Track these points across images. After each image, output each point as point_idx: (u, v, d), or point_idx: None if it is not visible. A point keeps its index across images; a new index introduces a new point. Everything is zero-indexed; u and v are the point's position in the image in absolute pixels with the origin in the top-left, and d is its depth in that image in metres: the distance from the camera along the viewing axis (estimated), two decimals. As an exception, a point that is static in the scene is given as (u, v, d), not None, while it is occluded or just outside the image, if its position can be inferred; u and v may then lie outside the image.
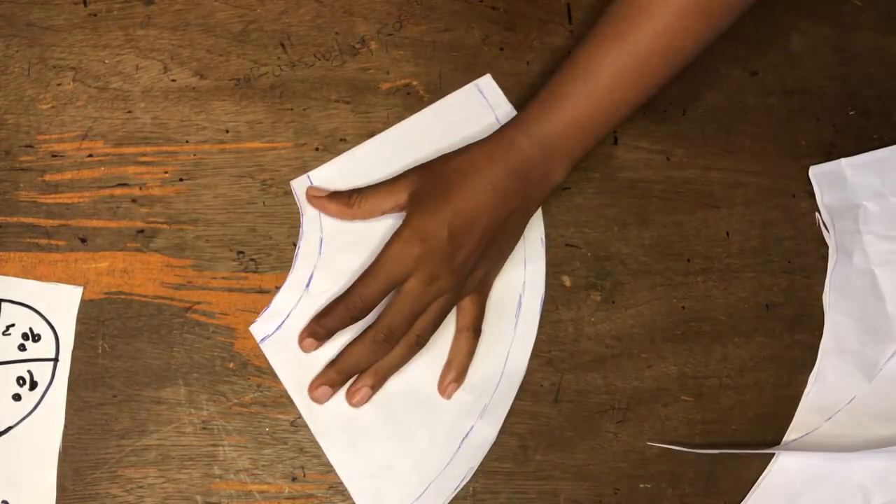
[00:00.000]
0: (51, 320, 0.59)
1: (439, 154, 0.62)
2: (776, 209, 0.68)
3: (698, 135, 0.68)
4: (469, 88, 0.66)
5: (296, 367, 0.60)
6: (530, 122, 0.60)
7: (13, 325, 0.59)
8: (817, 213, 0.68)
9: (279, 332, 0.61)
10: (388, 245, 0.58)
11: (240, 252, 0.62)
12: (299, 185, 0.63)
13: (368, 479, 0.60)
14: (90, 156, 0.62)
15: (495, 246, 0.61)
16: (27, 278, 0.60)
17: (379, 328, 0.58)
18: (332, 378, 0.59)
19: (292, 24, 0.65)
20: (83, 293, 0.60)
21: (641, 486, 0.63)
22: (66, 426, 0.59)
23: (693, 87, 0.69)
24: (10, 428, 0.58)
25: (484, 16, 0.67)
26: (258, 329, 0.61)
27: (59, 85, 0.62)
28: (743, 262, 0.67)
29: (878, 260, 0.65)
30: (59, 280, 0.60)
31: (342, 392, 0.60)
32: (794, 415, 0.65)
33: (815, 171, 0.68)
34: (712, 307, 0.66)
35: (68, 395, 0.59)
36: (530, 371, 0.63)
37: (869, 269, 0.65)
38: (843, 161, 0.67)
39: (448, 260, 0.58)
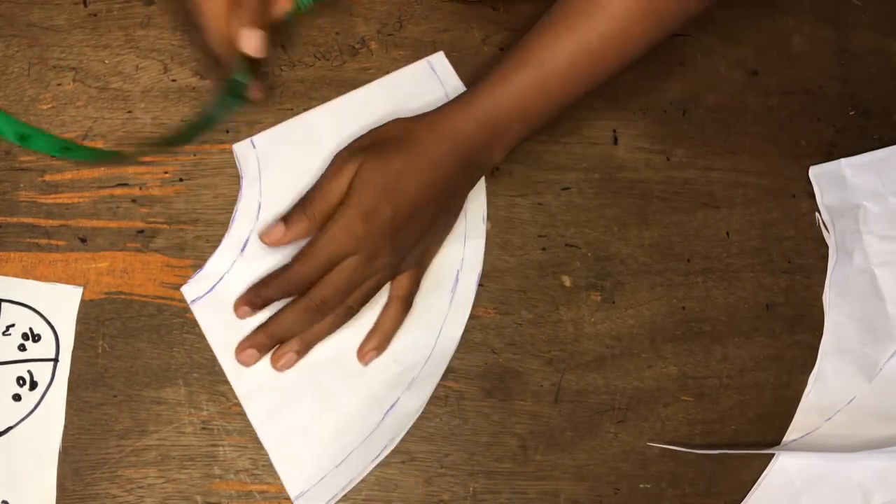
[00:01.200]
0: (51, 320, 0.59)
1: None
2: (776, 209, 0.68)
3: (698, 135, 0.68)
4: (421, 64, 0.66)
5: (225, 330, 0.60)
6: (475, 104, 0.60)
7: (13, 325, 0.59)
8: (817, 213, 0.68)
9: (210, 294, 0.61)
10: (332, 223, 0.58)
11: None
12: (241, 150, 0.63)
13: (288, 445, 0.60)
14: (90, 156, 0.62)
15: (437, 224, 0.61)
16: (27, 278, 0.60)
17: (313, 298, 0.58)
18: (261, 342, 0.59)
19: (292, 25, 0.65)
20: (83, 293, 0.60)
21: (641, 486, 0.63)
22: (66, 426, 0.59)
23: (693, 87, 0.69)
24: (10, 428, 0.58)
25: (484, 16, 0.67)
26: (189, 290, 0.61)
27: (59, 85, 0.62)
28: (743, 263, 0.67)
29: (878, 260, 0.65)
30: (59, 280, 0.60)
31: (266, 358, 0.60)
32: (794, 415, 0.65)
33: (815, 172, 0.68)
34: (712, 307, 0.66)
35: (68, 395, 0.59)
36: (531, 371, 0.63)
37: (869, 269, 0.65)
38: (843, 161, 0.67)
39: (390, 239, 0.58)
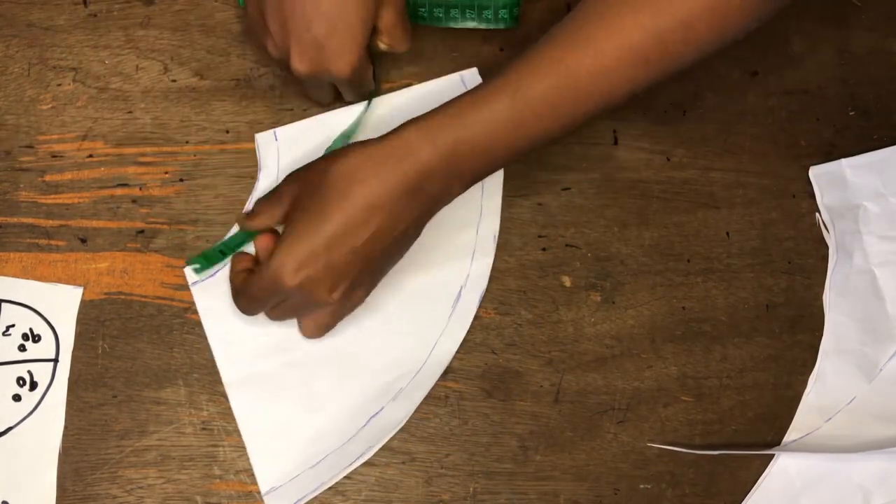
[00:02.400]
0: (51, 321, 0.59)
1: None
2: (776, 209, 0.68)
3: (698, 135, 0.68)
4: (453, 77, 0.65)
5: (221, 316, 0.60)
6: (438, 128, 0.53)
7: (13, 325, 0.59)
8: (817, 214, 0.68)
9: (213, 278, 0.61)
10: (265, 269, 0.54)
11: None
12: (263, 140, 0.63)
13: (267, 439, 0.60)
14: (90, 156, 0.62)
15: (379, 268, 0.57)
16: (27, 278, 0.60)
17: (274, 318, 0.58)
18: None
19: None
20: (83, 293, 0.60)
21: (641, 486, 0.63)
22: (66, 427, 0.59)
23: (693, 87, 0.68)
24: (10, 428, 0.58)
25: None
26: (191, 273, 0.61)
27: (59, 85, 0.62)
28: (743, 263, 0.67)
29: (878, 260, 0.65)
30: (59, 280, 0.60)
31: (259, 350, 0.60)
32: (794, 415, 0.65)
33: (815, 172, 0.68)
34: (712, 307, 0.66)
35: (68, 395, 0.59)
36: (531, 371, 0.63)
37: (869, 269, 0.65)
38: (844, 161, 0.66)
39: (327, 290, 0.54)
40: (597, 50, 0.53)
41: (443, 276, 0.62)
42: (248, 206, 0.62)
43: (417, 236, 0.57)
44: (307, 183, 0.55)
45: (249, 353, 0.60)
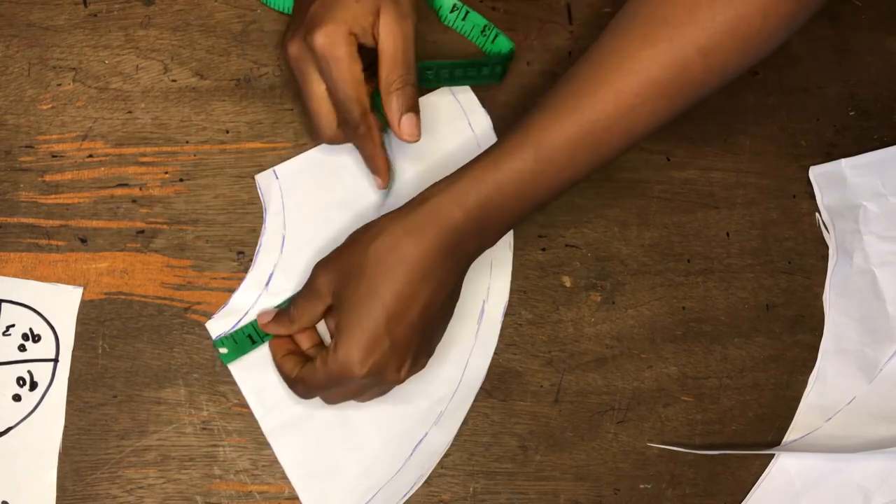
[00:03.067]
0: (51, 321, 0.59)
1: (408, 159, 0.62)
2: (776, 209, 0.68)
3: (698, 135, 0.68)
4: (442, 90, 0.65)
5: (250, 366, 0.60)
6: (465, 191, 0.54)
7: (13, 325, 0.59)
8: (817, 214, 0.68)
9: (235, 330, 0.60)
10: (331, 362, 0.54)
11: (240, 252, 0.62)
12: (264, 181, 0.62)
13: (317, 482, 0.60)
14: (90, 156, 0.62)
15: (437, 333, 0.57)
16: (27, 278, 0.60)
17: (298, 382, 0.57)
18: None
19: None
20: (83, 293, 0.60)
21: (641, 486, 0.63)
22: (66, 426, 0.59)
23: (693, 87, 0.68)
24: (10, 428, 0.58)
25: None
26: (214, 326, 0.60)
27: (59, 85, 0.62)
28: (743, 263, 0.67)
29: (878, 260, 0.65)
30: (59, 280, 0.60)
31: (297, 398, 0.59)
32: (794, 415, 0.65)
33: (815, 172, 0.68)
34: (712, 307, 0.66)
35: (68, 395, 0.59)
36: (531, 371, 0.63)
37: (869, 269, 0.65)
38: (844, 161, 0.67)
39: (395, 370, 0.55)
40: (615, 92, 0.53)
41: (464, 293, 0.61)
42: (258, 252, 0.61)
43: (459, 292, 0.57)
44: (346, 270, 0.55)
45: (283, 397, 0.60)
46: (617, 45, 0.54)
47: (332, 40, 0.55)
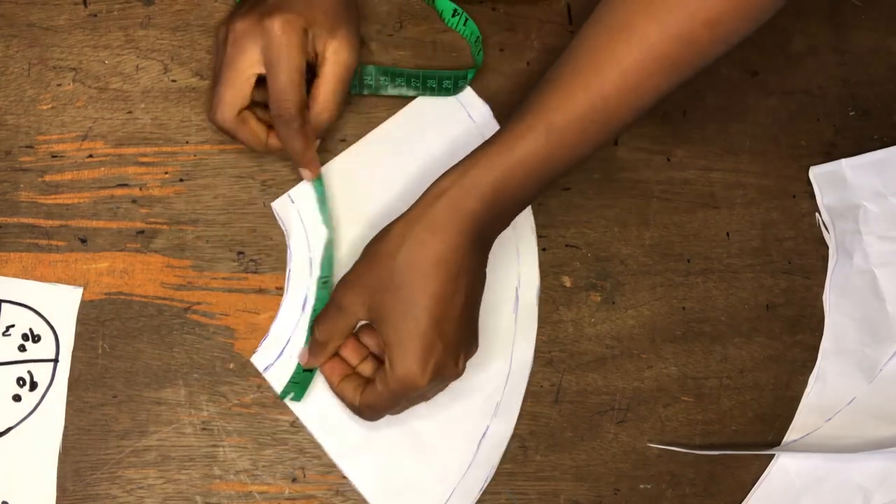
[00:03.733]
0: (51, 321, 0.59)
1: (413, 157, 0.62)
2: (776, 210, 0.68)
3: (698, 135, 0.68)
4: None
5: (308, 395, 0.60)
6: (478, 180, 0.53)
7: (13, 325, 0.59)
8: (817, 214, 0.68)
9: (281, 359, 0.60)
10: (392, 382, 0.54)
11: (240, 252, 0.62)
12: (281, 206, 0.62)
13: (393, 497, 0.60)
14: (90, 156, 0.62)
15: (477, 316, 0.57)
16: (27, 279, 0.60)
17: (363, 409, 0.57)
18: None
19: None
20: (83, 294, 0.60)
21: (641, 486, 0.63)
22: (66, 427, 0.59)
23: (693, 87, 0.68)
24: (10, 428, 0.58)
25: (484, 16, 0.67)
26: (260, 359, 0.60)
27: (59, 85, 0.62)
28: (743, 263, 0.67)
29: (878, 260, 0.65)
30: (59, 280, 0.60)
31: (358, 418, 0.58)
32: (794, 415, 0.65)
33: (815, 172, 0.68)
34: (712, 308, 0.66)
35: (68, 395, 0.59)
36: (531, 372, 0.63)
37: (869, 269, 0.65)
38: (844, 161, 0.66)
39: (454, 366, 0.55)
40: (621, 66, 0.53)
41: (495, 283, 0.61)
42: (289, 279, 0.61)
43: (486, 268, 0.57)
44: (377, 284, 0.54)
45: (345, 420, 0.59)
46: (620, 19, 0.53)
47: (290, 28, 0.56)
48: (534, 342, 0.63)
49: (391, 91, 0.64)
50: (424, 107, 0.64)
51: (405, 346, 0.53)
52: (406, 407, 0.58)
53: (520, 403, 0.62)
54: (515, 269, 0.63)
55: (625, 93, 0.53)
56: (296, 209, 0.62)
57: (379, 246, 0.55)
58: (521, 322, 0.63)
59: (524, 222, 0.64)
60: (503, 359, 0.62)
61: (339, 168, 0.63)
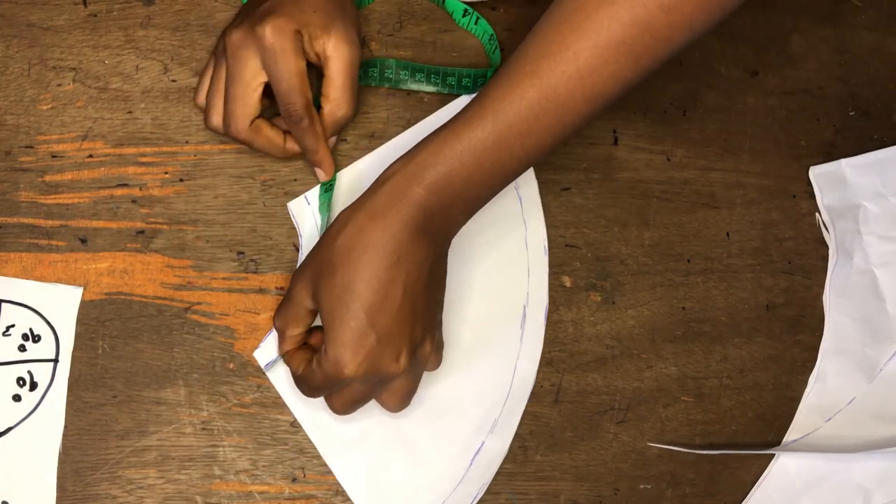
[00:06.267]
0: (51, 321, 0.59)
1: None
2: (776, 210, 0.68)
3: (698, 135, 0.68)
4: (463, 100, 0.64)
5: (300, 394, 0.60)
6: (423, 167, 0.52)
7: (13, 325, 0.59)
8: (817, 214, 0.68)
9: (282, 361, 0.60)
10: (325, 365, 0.53)
11: (240, 252, 0.62)
12: (297, 207, 0.62)
13: (381, 501, 0.60)
14: (90, 156, 0.62)
15: (430, 314, 0.55)
16: (27, 279, 0.60)
17: (299, 381, 0.57)
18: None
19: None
20: (83, 294, 0.60)
21: (641, 486, 0.63)
22: (66, 427, 0.59)
23: (693, 87, 0.69)
24: (10, 428, 0.58)
25: (484, 16, 0.66)
26: (262, 355, 0.60)
27: (59, 85, 0.62)
28: (743, 263, 0.67)
29: (878, 260, 0.65)
30: (59, 280, 0.60)
31: (351, 417, 0.58)
32: (794, 415, 0.65)
33: (815, 172, 0.68)
34: (712, 308, 0.66)
35: (68, 395, 0.59)
36: (530, 371, 0.63)
37: (869, 269, 0.65)
38: (844, 161, 0.66)
39: (392, 360, 0.53)
40: (573, 53, 0.51)
41: (504, 300, 0.61)
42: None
43: (445, 268, 0.56)
44: (318, 272, 0.54)
45: (336, 418, 0.59)
46: (571, 8, 0.52)
47: (281, 33, 0.56)
48: (538, 361, 0.63)
49: (411, 86, 0.64)
50: (441, 119, 0.64)
51: (337, 332, 0.52)
52: (348, 403, 0.56)
53: (517, 422, 0.62)
54: (524, 286, 0.63)
55: (578, 80, 0.51)
56: (311, 210, 0.62)
57: (325, 233, 0.54)
58: (526, 340, 0.63)
59: (537, 240, 0.63)
60: (505, 375, 0.62)
61: (357, 172, 0.63)
